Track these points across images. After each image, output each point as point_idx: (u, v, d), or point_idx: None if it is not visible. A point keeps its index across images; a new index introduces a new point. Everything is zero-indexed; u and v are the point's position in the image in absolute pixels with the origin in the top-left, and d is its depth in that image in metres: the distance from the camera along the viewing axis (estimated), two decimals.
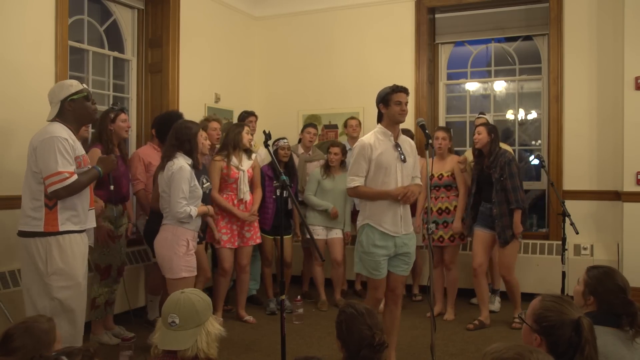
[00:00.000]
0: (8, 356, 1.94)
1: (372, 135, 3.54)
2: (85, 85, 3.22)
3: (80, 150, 3.16)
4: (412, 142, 3.69)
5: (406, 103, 3.50)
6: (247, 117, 5.37)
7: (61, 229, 3.02)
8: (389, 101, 3.47)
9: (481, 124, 4.73)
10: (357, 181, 3.50)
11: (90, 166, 3.23)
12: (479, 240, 4.70)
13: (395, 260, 3.54)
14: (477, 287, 4.75)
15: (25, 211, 3.06)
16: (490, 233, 4.63)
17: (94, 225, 3.30)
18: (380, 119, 3.56)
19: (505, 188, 4.47)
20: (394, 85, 3.50)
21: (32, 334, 1.99)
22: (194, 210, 3.69)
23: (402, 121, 3.52)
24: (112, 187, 4.01)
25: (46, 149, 2.98)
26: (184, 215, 3.64)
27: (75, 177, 3.03)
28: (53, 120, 3.12)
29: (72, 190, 3.03)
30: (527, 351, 1.47)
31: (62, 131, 3.05)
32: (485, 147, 4.60)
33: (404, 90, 3.50)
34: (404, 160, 3.48)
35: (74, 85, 3.14)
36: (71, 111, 3.11)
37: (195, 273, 3.80)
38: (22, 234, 3.06)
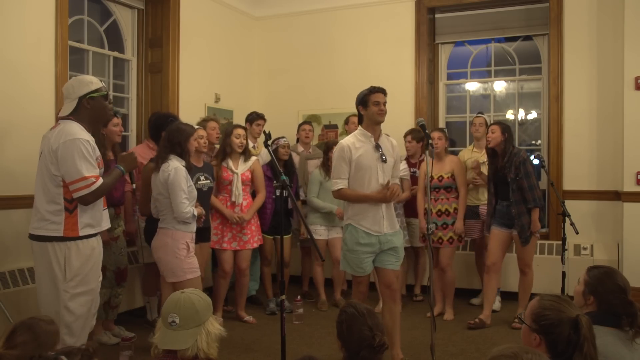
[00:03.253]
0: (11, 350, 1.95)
1: (352, 137, 3.62)
2: (103, 83, 3.08)
3: (97, 151, 3.01)
4: (394, 142, 3.73)
5: (384, 103, 3.54)
6: (256, 119, 5.41)
7: (81, 233, 2.89)
8: (367, 102, 3.54)
9: (495, 123, 4.70)
10: (340, 184, 3.57)
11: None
12: (495, 238, 4.67)
13: (383, 255, 3.58)
14: (487, 284, 4.73)
15: (42, 214, 2.88)
16: (508, 232, 4.62)
17: (109, 226, 3.19)
18: (360, 121, 3.64)
19: (521, 187, 4.45)
20: (371, 86, 3.59)
21: (34, 332, 2.00)
22: (195, 210, 3.72)
23: (381, 121, 3.57)
24: None
25: (69, 152, 2.82)
26: (189, 215, 3.66)
27: (100, 180, 2.90)
28: (67, 118, 2.94)
29: (99, 194, 2.91)
30: (523, 351, 1.48)
31: (82, 132, 2.89)
32: (498, 146, 4.55)
33: (382, 91, 3.56)
34: (384, 161, 3.54)
35: (94, 83, 2.99)
36: (89, 110, 2.95)
37: (199, 273, 3.81)
38: (38, 238, 2.89)
